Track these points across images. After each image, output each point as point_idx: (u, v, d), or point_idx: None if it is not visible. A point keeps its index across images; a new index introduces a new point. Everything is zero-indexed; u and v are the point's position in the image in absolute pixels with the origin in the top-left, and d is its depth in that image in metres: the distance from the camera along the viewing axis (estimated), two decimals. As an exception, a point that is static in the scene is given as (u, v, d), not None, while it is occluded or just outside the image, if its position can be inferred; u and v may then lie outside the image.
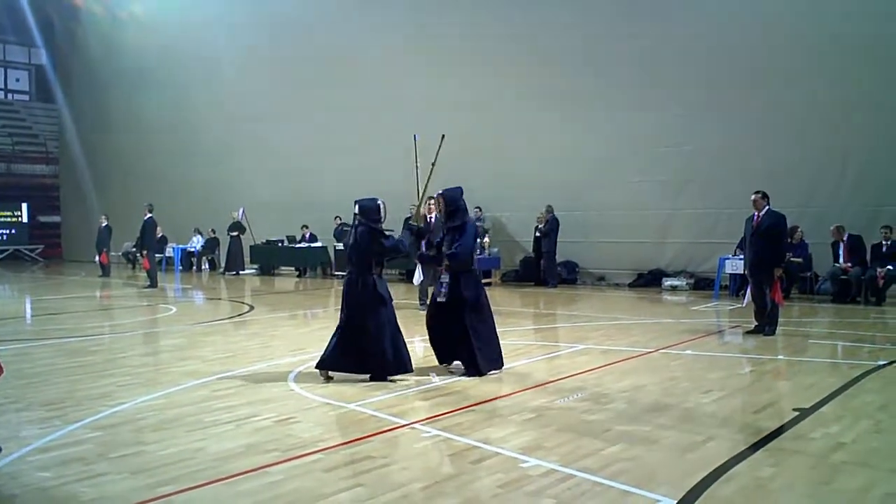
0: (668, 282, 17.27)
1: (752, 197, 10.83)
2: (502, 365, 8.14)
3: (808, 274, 15.30)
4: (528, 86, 19.15)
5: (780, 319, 10.71)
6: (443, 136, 8.71)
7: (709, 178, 16.82)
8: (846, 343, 10.17)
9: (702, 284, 16.90)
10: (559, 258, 18.71)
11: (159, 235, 27.12)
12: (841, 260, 14.57)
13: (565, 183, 18.53)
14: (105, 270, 23.51)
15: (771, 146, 15.97)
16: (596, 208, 18.41)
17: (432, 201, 12.89)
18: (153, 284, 19.06)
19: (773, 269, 10.44)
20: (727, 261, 15.49)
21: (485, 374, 7.86)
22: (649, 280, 17.75)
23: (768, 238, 10.48)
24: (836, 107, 15.34)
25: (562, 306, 14.89)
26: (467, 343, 7.90)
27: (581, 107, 18.32)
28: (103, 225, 23.51)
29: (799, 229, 15.01)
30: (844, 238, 14.61)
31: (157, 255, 27.28)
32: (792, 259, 15.03)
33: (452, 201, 8.17)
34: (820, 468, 5.00)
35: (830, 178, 15.52)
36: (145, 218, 19.64)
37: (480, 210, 19.64)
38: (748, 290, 11.22)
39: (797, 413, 6.30)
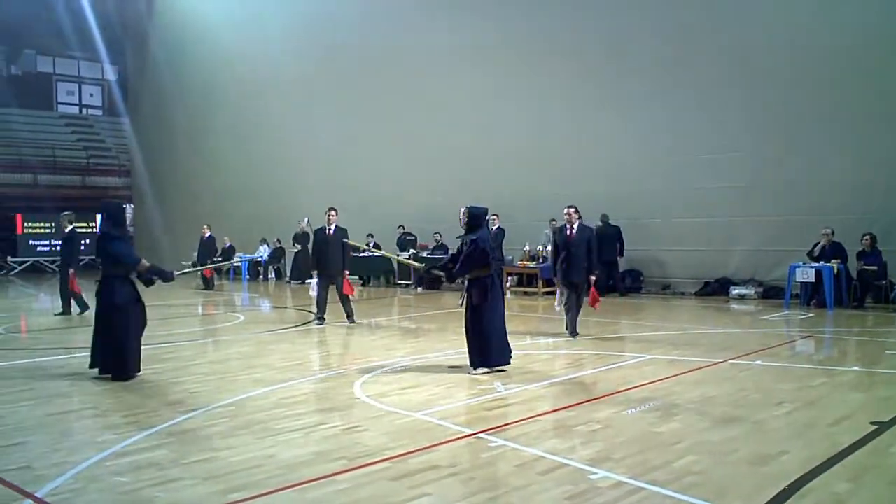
0: (735, 290, 16.89)
1: (567, 211, 11.41)
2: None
3: (883, 282, 14.78)
4: (588, 92, 19.05)
5: (854, 329, 10.39)
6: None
7: (777, 184, 16.40)
8: (925, 354, 9.82)
9: (771, 293, 16.47)
10: (623, 266, 18.52)
11: (227, 245, 27.67)
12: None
13: (629, 191, 18.33)
14: (208, 284, 22.83)
15: (842, 151, 15.52)
16: (660, 216, 18.15)
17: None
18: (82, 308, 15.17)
19: (589, 276, 11.20)
20: (798, 269, 15.08)
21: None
22: (716, 288, 17.37)
23: (582, 249, 11.14)
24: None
25: (626, 315, 14.71)
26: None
27: (645, 113, 18.12)
28: (206, 236, 23.62)
29: (867, 236, 14.60)
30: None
31: (223, 264, 27.75)
32: (865, 267, 14.61)
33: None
34: (900, 484, 4.85)
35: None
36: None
37: (556, 221, 19.44)
38: (558, 295, 12.49)
39: (875, 427, 6.11)
